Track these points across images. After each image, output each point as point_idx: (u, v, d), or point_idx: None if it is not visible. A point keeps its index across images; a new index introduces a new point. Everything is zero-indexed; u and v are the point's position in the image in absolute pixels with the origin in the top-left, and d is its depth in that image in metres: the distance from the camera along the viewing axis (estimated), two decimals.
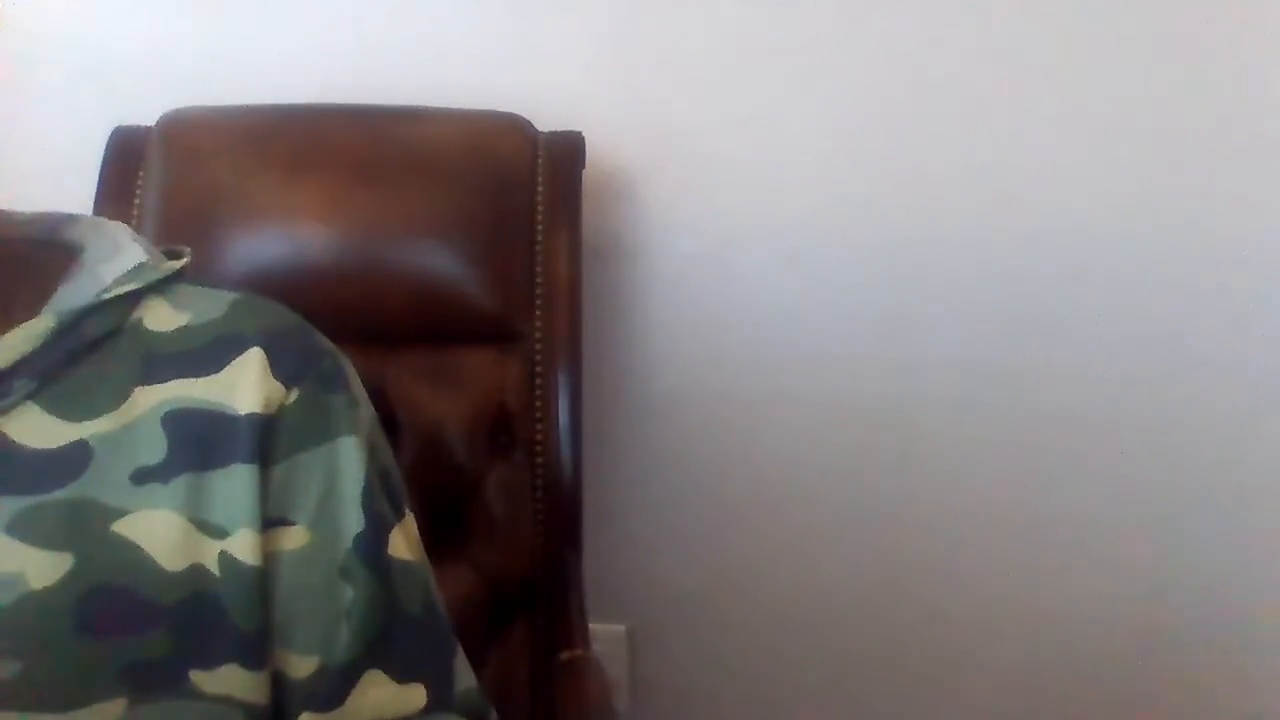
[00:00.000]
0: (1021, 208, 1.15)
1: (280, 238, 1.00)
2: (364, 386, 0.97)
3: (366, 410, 0.67)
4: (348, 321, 0.99)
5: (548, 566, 1.02)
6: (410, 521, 0.67)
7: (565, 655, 0.97)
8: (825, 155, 1.15)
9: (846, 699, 1.27)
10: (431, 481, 0.99)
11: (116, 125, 1.07)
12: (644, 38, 1.14)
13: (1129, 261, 1.15)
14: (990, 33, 1.12)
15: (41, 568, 0.57)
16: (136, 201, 1.04)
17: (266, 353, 0.62)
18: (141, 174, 1.04)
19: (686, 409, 1.21)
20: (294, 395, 0.62)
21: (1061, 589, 1.23)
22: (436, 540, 0.99)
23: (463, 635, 0.95)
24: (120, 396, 0.61)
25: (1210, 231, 1.14)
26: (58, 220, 0.67)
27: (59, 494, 0.59)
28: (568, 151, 1.08)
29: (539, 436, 1.02)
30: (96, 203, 1.05)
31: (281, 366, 0.62)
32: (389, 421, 1.00)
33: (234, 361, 0.62)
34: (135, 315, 0.63)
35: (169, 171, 1.03)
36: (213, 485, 0.60)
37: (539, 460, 1.02)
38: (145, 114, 1.05)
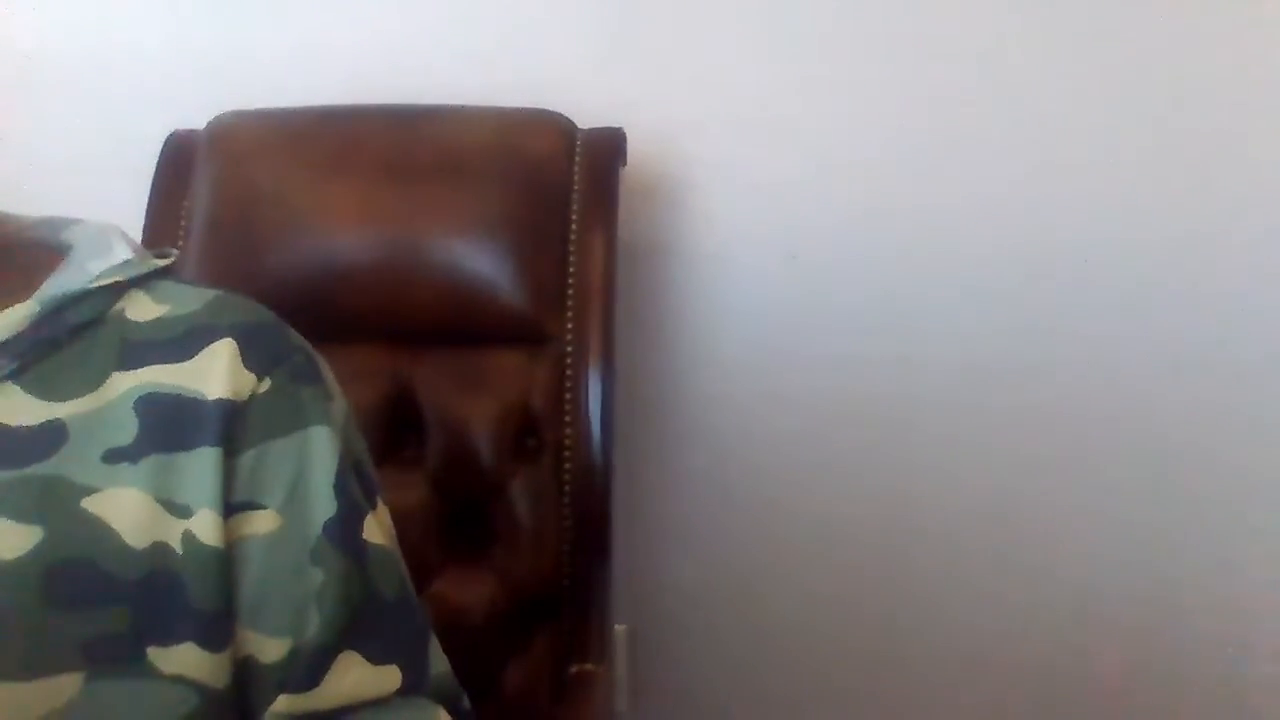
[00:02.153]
0: (1023, 211, 1.16)
1: (315, 238, 1.01)
2: (393, 386, 0.99)
3: (340, 403, 0.68)
4: (379, 321, 1.01)
5: (574, 574, 1.00)
6: (384, 511, 0.68)
7: (575, 669, 0.94)
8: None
9: (847, 699, 1.27)
10: (456, 483, 0.98)
11: (172, 130, 1.10)
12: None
13: (1128, 263, 1.16)
14: (993, 39, 1.13)
15: (12, 539, 0.58)
16: (186, 204, 1.06)
17: (238, 344, 0.64)
18: (193, 177, 1.07)
19: (685, 411, 1.22)
20: (265, 385, 0.63)
21: (1062, 589, 1.23)
22: (459, 544, 0.99)
23: (483, 643, 0.95)
24: (97, 380, 0.63)
25: (1209, 233, 1.15)
26: (59, 223, 0.70)
27: (33, 469, 0.60)
28: (608, 149, 1.06)
29: (568, 440, 1.00)
30: (149, 204, 1.08)
31: (253, 357, 0.64)
32: (415, 423, 1.00)
33: (205, 349, 0.63)
34: (118, 307, 0.65)
35: (214, 174, 1.05)
36: (180, 466, 0.61)
37: (567, 465, 1.00)
38: (201, 118, 1.08)
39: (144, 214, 1.07)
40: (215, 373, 0.62)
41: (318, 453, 0.63)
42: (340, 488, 0.63)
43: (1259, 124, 1.14)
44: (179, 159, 1.08)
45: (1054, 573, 1.23)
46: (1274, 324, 1.17)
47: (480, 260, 1.00)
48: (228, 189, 1.04)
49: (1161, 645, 1.24)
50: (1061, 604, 1.24)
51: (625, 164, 1.07)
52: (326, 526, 0.63)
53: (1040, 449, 1.20)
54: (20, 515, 0.59)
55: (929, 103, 1.14)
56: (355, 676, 0.62)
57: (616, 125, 1.07)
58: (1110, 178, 1.15)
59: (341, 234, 1.01)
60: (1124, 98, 1.13)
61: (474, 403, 0.99)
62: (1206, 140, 1.13)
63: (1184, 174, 1.14)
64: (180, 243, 1.04)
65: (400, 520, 0.69)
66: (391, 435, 0.98)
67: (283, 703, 0.61)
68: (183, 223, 1.05)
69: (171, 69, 1.18)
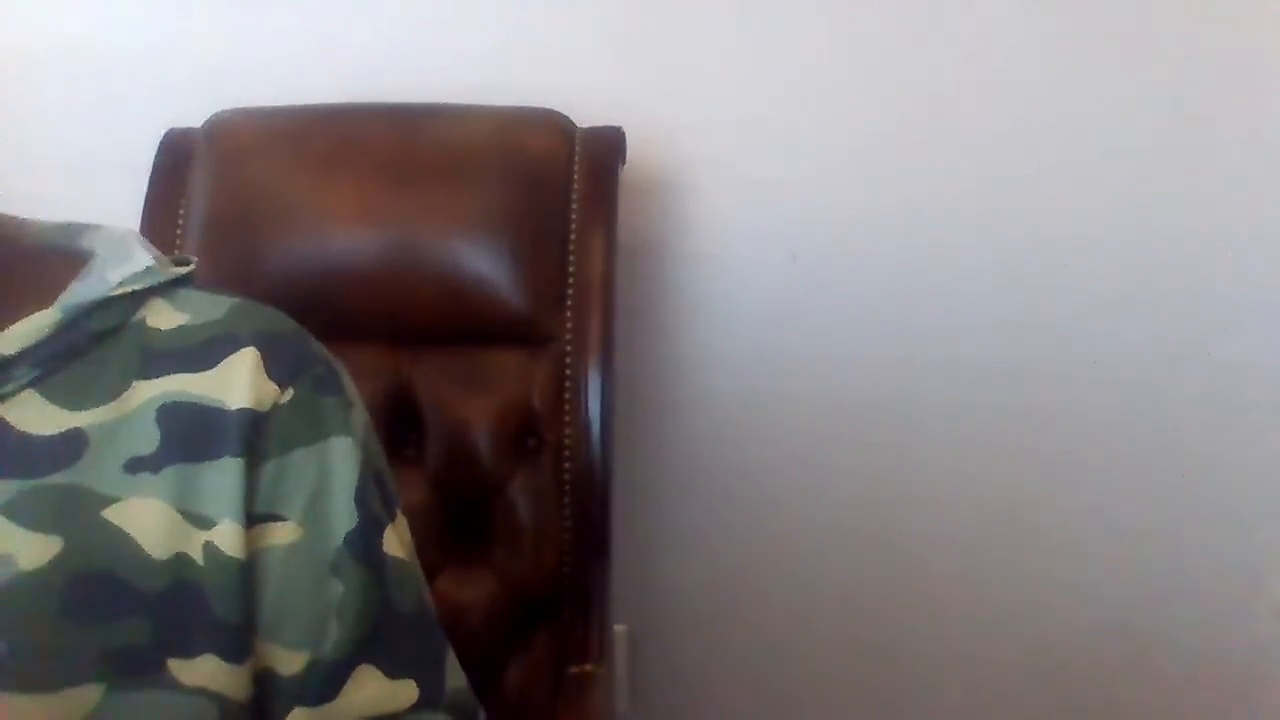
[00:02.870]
0: (1023, 210, 1.17)
1: (314, 237, 1.01)
2: (393, 386, 0.99)
3: (361, 413, 0.67)
4: (379, 321, 1.01)
5: (574, 574, 1.00)
6: (402, 523, 0.68)
7: (574, 669, 0.95)
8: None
9: (847, 699, 1.28)
10: (456, 483, 0.99)
11: (169, 128, 1.09)
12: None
13: (1128, 262, 1.16)
14: (992, 39, 1.13)
15: (32, 550, 0.58)
16: (184, 202, 1.05)
17: (261, 353, 0.63)
18: (190, 175, 1.07)
19: (685, 411, 1.22)
20: (288, 395, 0.63)
21: (1062, 588, 1.23)
22: (459, 544, 0.99)
23: (483, 643, 0.95)
24: (119, 389, 0.62)
25: (1208, 232, 1.15)
26: (77, 229, 0.70)
27: (54, 479, 0.60)
28: (607, 148, 1.06)
29: (567, 440, 1.01)
30: (146, 203, 1.07)
31: (276, 367, 0.63)
32: (415, 423, 1.00)
33: (227, 359, 0.63)
34: (139, 315, 0.65)
35: (213, 172, 1.05)
36: (202, 477, 0.61)
37: (567, 465, 1.01)
38: (199, 117, 1.07)
39: (141, 213, 1.06)
40: (237, 382, 0.62)
41: (339, 464, 0.63)
42: (360, 500, 0.63)
43: (1258, 125, 1.14)
44: (176, 157, 1.08)
45: (1053, 572, 1.24)
46: (1275, 325, 1.17)
47: (480, 260, 1.00)
48: (226, 188, 1.04)
49: (1161, 644, 1.24)
50: (1062, 603, 1.24)
51: (625, 164, 1.07)
52: (347, 539, 0.63)
53: (1040, 449, 1.21)
54: (40, 525, 0.58)
55: (928, 103, 1.15)
56: (371, 690, 0.62)
57: (616, 125, 1.07)
58: (1110, 177, 1.15)
59: (341, 234, 1.00)
60: (1123, 98, 1.14)
61: (474, 403, 0.99)
62: (1206, 139, 1.14)
63: (1183, 173, 1.15)
64: (178, 242, 1.03)
65: None
66: (391, 435, 0.98)
67: (298, 715, 0.61)
68: (180, 222, 1.05)
69: (169, 66, 1.17)
